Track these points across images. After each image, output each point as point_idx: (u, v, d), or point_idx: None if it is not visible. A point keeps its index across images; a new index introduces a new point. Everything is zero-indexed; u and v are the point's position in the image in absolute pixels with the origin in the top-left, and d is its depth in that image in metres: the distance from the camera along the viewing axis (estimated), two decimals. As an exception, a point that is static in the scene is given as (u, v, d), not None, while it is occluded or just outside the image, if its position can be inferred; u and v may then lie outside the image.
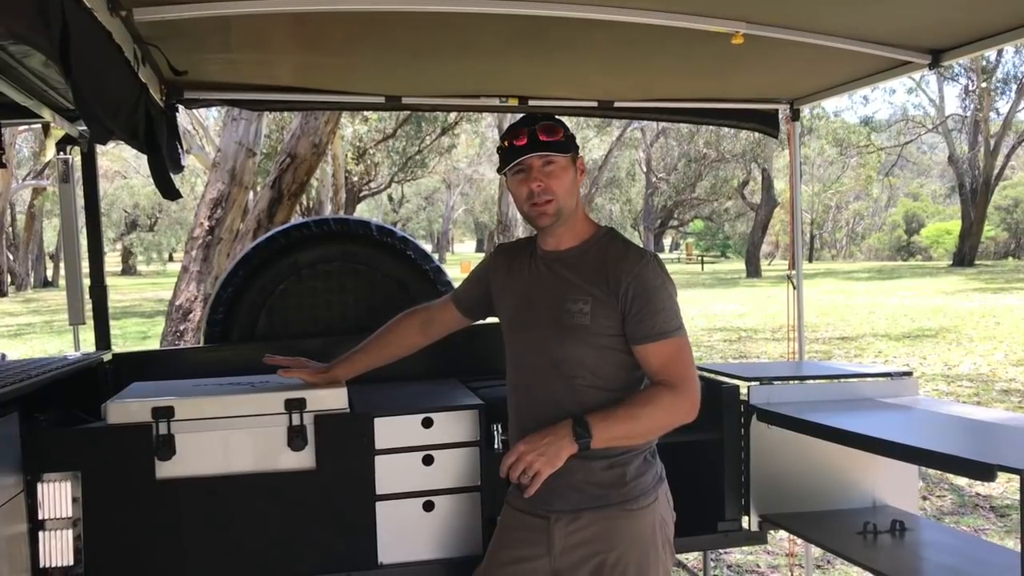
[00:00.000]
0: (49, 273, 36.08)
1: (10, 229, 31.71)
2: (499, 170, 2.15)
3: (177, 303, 7.22)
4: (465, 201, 53.71)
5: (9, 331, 17.02)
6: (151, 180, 2.64)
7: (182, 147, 3.05)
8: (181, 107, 3.28)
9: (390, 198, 46.31)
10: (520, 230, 19.79)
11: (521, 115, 2.25)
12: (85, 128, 3.20)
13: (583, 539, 2.09)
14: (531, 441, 2.01)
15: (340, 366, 2.49)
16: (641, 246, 2.19)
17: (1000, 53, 28.01)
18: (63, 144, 3.30)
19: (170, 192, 2.63)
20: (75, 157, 3.33)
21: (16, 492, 2.17)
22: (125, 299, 23.86)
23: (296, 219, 7.38)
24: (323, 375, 2.47)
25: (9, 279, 30.28)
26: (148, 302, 22.83)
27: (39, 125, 3.38)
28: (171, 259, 45.82)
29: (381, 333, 2.50)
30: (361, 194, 27.26)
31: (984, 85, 29.84)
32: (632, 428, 2.04)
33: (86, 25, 1.82)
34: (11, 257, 31.52)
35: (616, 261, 2.09)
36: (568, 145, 2.11)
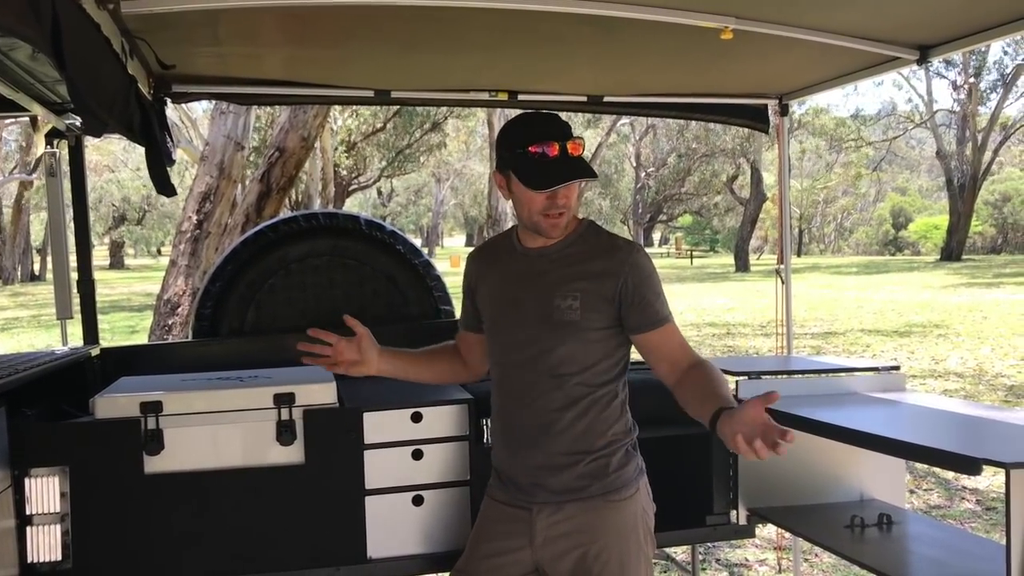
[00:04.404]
0: (36, 267, 35.84)
1: (-4, 223, 31.50)
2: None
3: (165, 297, 7.19)
4: (455, 195, 53.64)
5: (-4, 325, 16.93)
6: (140, 174, 2.64)
7: (172, 141, 3.04)
8: (169, 101, 3.26)
9: (379, 192, 46.19)
10: (510, 223, 19.75)
11: (518, 111, 2.23)
12: (72, 121, 3.18)
13: (566, 530, 2.09)
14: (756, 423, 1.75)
15: (384, 357, 2.24)
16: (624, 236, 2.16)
17: (989, 48, 28.15)
18: (51, 137, 3.28)
19: (166, 188, 2.62)
20: (62, 151, 3.32)
21: (3, 487, 2.16)
22: (113, 293, 23.74)
23: (285, 213, 7.37)
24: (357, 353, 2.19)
25: (-4, 273, 30.13)
26: (136, 296, 22.73)
27: (27, 118, 3.36)
28: (159, 253, 45.60)
29: (434, 348, 2.37)
30: (350, 188, 27.20)
31: (973, 80, 29.95)
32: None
33: (76, 18, 1.81)
34: (-2, 251, 31.34)
35: (608, 253, 2.08)
36: None
